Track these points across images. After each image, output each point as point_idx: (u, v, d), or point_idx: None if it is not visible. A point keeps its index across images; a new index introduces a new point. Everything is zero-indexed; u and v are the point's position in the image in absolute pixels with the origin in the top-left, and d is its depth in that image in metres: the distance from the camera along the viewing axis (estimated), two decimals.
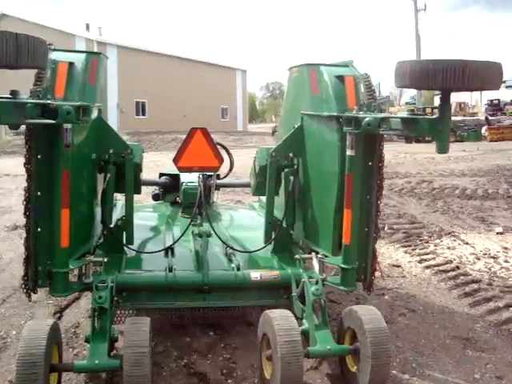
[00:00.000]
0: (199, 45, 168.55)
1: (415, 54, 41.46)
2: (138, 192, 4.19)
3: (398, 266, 5.95)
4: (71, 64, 3.51)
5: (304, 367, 3.04)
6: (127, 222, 3.95)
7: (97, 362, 2.93)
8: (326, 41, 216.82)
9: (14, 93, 2.80)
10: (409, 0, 57.60)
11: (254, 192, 4.75)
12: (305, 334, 3.31)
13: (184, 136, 3.91)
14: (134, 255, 4.05)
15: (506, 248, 6.67)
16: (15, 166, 11.71)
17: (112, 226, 3.96)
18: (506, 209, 9.27)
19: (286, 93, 4.71)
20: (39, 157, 3.17)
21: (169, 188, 5.69)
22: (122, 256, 3.98)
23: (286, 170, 4.11)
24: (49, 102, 2.95)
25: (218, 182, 5.68)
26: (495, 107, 48.84)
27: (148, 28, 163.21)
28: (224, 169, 4.71)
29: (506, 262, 6.12)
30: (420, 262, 6.11)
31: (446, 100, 2.79)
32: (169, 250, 4.05)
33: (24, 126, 3.07)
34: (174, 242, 4.07)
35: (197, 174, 4.46)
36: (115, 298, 3.44)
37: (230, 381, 3.44)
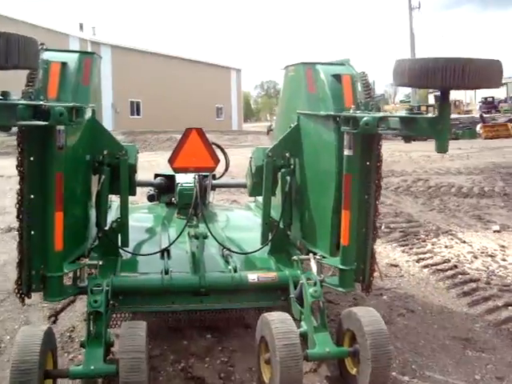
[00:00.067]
0: (194, 44, 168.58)
1: (410, 52, 41.46)
2: (133, 193, 4.14)
3: (396, 266, 5.91)
4: (64, 64, 3.45)
5: (303, 370, 3.00)
6: (122, 224, 3.90)
7: (92, 367, 2.87)
8: (320, 39, 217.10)
9: (4, 94, 2.74)
10: None
11: (251, 192, 4.70)
12: (303, 337, 3.26)
13: (179, 136, 3.86)
14: (129, 258, 4.00)
15: (503, 246, 6.65)
16: (9, 166, 11.59)
17: (107, 228, 3.91)
18: (502, 207, 9.26)
19: (282, 92, 4.67)
20: (32, 159, 3.11)
21: (164, 189, 5.64)
22: (118, 259, 3.93)
23: (283, 170, 4.07)
24: (41, 103, 2.89)
25: (214, 182, 5.64)
26: (489, 105, 49.04)
27: (142, 28, 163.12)
28: (219, 168, 4.66)
29: (504, 260, 6.09)
30: (418, 261, 6.08)
31: (445, 99, 2.75)
32: (165, 252, 3.99)
33: (16, 128, 3.01)
34: (170, 244, 4.02)
35: (192, 175, 4.41)
36: (111, 302, 3.39)
37: None
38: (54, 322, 4.21)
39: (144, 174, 6.84)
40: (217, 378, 3.45)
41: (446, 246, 6.65)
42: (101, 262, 3.52)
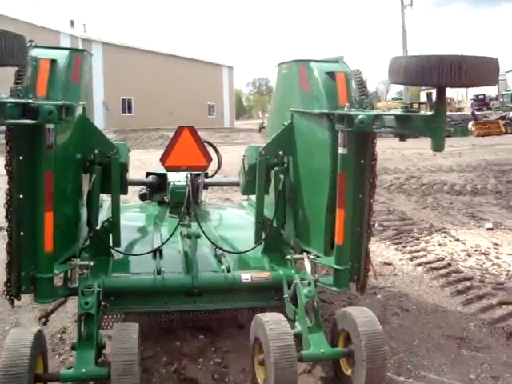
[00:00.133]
0: (186, 41, 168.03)
1: (402, 49, 41.53)
2: (125, 192, 4.09)
3: (390, 264, 5.89)
4: (53, 61, 3.39)
5: (298, 371, 2.97)
6: (114, 223, 3.85)
7: (84, 370, 2.82)
8: (312, 36, 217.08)
9: None
10: None
11: (244, 191, 4.66)
12: (298, 337, 3.23)
13: (171, 133, 3.82)
14: (121, 258, 3.95)
15: (496, 244, 6.65)
16: None
17: (98, 227, 3.86)
18: (495, 204, 9.28)
19: (275, 89, 4.63)
20: (21, 158, 3.05)
21: (156, 187, 5.58)
22: (109, 259, 3.88)
23: (276, 168, 4.03)
24: (30, 101, 2.83)
25: (207, 180, 5.59)
26: (481, 102, 49.18)
27: (134, 25, 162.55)
28: (212, 167, 4.61)
29: (497, 258, 6.09)
30: (411, 259, 6.06)
31: (441, 96, 2.70)
32: (157, 252, 3.95)
33: (4, 126, 2.95)
34: (162, 244, 3.98)
35: (184, 173, 4.36)
36: (102, 303, 3.33)
37: None
38: (45, 324, 4.14)
39: (136, 172, 6.80)
40: (210, 380, 3.41)
41: (440, 244, 6.64)
42: (92, 263, 3.46)
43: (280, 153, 4.02)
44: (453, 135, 28.00)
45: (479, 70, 2.50)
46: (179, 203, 4.39)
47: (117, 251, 3.92)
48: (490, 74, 2.57)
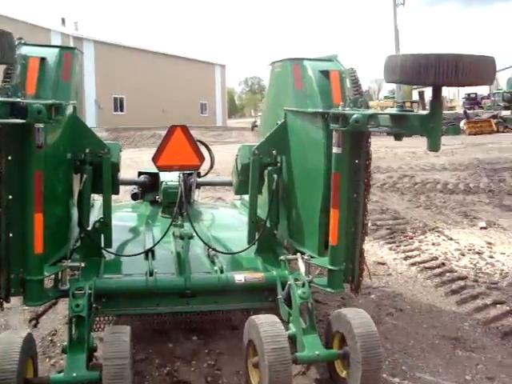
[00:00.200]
0: (178, 40, 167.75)
1: (394, 48, 41.55)
2: (116, 192, 4.05)
3: (384, 264, 5.87)
4: (43, 59, 3.33)
5: (292, 374, 2.93)
6: (105, 223, 3.80)
7: (74, 374, 2.78)
8: (304, 35, 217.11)
9: None
10: None
11: (237, 191, 4.61)
12: (292, 339, 3.20)
13: (163, 132, 3.77)
14: (112, 259, 3.90)
15: (489, 243, 6.64)
16: None
17: (89, 228, 3.81)
18: (487, 203, 9.27)
19: (268, 88, 4.58)
20: (10, 158, 2.99)
21: (148, 187, 5.52)
22: (101, 260, 3.83)
23: (270, 167, 3.99)
24: (18, 99, 2.78)
25: (199, 180, 5.55)
26: (472, 101, 49.36)
27: (126, 23, 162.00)
28: (204, 166, 4.57)
29: (491, 257, 6.08)
30: (405, 258, 6.04)
31: (437, 95, 2.67)
32: (149, 253, 3.90)
33: None
34: (155, 245, 3.93)
35: (177, 173, 4.31)
36: (94, 305, 3.29)
37: None
38: (35, 326, 4.09)
39: (128, 171, 6.74)
40: (203, 382, 3.37)
41: (434, 244, 6.62)
42: (83, 264, 3.41)
43: (273, 152, 3.98)
44: (445, 134, 28.03)
45: (476, 69, 2.47)
46: (171, 203, 4.35)
47: (108, 252, 3.87)
48: (487, 73, 2.54)
